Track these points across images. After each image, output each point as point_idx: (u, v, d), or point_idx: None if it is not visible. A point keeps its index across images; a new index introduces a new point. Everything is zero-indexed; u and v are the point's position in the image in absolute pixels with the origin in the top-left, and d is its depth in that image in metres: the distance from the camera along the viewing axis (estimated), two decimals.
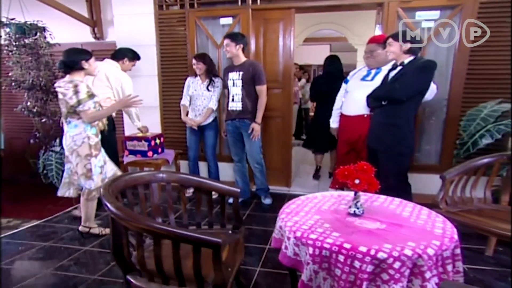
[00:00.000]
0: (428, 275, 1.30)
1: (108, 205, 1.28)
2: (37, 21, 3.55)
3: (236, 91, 3.23)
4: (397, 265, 1.28)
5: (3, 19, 3.39)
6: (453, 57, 3.14)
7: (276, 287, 2.14)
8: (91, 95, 2.50)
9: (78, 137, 2.55)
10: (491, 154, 2.29)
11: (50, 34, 3.66)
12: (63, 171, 2.86)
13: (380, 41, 2.67)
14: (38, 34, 3.54)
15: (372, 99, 2.58)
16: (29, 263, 2.47)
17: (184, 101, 3.58)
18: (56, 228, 3.05)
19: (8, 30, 3.43)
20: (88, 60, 2.55)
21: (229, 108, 3.31)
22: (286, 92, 3.72)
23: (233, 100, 3.27)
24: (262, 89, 3.20)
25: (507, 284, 2.08)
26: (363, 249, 1.31)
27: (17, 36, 3.44)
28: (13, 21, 3.46)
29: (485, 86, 3.10)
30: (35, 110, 3.66)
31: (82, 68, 2.52)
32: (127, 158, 3.50)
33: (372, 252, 1.29)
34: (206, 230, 1.95)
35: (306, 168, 5.02)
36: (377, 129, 2.52)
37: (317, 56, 7.67)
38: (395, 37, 2.39)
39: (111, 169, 2.80)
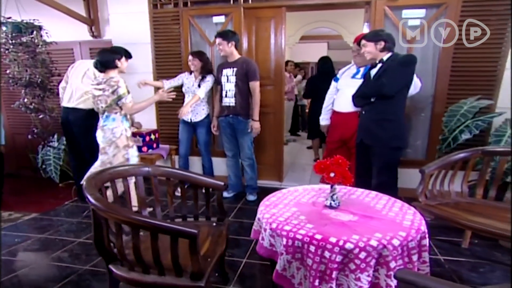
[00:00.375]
0: (393, 264, 1.35)
1: (89, 196, 1.35)
2: (33, 19, 3.60)
3: (229, 87, 3.29)
4: (362, 255, 1.34)
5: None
6: (438, 55, 3.18)
7: (260, 277, 2.23)
8: (128, 90, 2.71)
9: (117, 130, 2.73)
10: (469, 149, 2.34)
11: (46, 33, 3.72)
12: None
13: None
14: (35, 32, 3.59)
15: (359, 97, 2.61)
16: (24, 254, 2.56)
17: (166, 81, 3.60)
18: (53, 221, 3.14)
19: (4, 28, 3.49)
20: (120, 59, 2.77)
21: (223, 104, 3.37)
22: (277, 89, 3.78)
23: (226, 96, 3.32)
24: (255, 85, 3.25)
25: (479, 275, 2.15)
26: (333, 240, 1.37)
27: (13, 34, 3.49)
28: (9, 20, 3.52)
29: (468, 82, 3.15)
30: (32, 106, 3.72)
31: (116, 67, 2.74)
32: None
33: (341, 243, 1.35)
34: (191, 222, 2.03)
35: (301, 163, 5.08)
36: (370, 125, 2.54)
37: (315, 53, 7.68)
38: (366, 38, 2.45)
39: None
